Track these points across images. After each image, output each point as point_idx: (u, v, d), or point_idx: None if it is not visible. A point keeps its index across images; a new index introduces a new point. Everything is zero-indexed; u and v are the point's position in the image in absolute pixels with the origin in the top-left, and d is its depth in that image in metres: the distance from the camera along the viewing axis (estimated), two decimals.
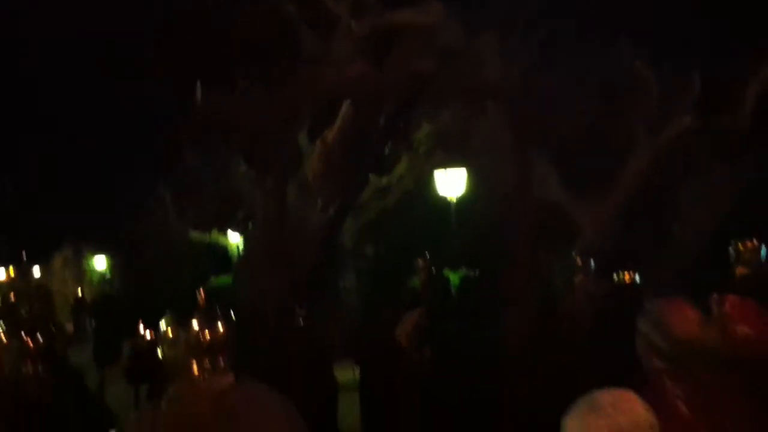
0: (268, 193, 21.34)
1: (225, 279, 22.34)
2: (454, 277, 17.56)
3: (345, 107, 7.66)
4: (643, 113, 10.23)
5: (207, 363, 2.58)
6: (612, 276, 7.56)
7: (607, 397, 1.97)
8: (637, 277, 7.35)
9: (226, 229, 24.91)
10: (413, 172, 20.10)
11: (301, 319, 6.16)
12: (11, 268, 34.14)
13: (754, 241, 5.93)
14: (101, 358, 13.74)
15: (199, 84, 8.14)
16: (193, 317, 2.66)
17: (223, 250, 26.02)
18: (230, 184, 20.83)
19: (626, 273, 7.43)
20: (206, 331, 2.61)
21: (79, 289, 32.14)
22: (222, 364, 2.60)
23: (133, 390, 8.68)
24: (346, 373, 7.23)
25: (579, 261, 7.28)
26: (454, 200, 17.22)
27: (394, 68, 9.04)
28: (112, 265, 34.06)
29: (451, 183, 17.16)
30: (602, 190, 10.75)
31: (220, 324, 2.63)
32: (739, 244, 5.91)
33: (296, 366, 4.82)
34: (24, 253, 34.38)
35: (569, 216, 11.29)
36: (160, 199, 25.63)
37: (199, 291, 6.76)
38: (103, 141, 26.32)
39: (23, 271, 34.52)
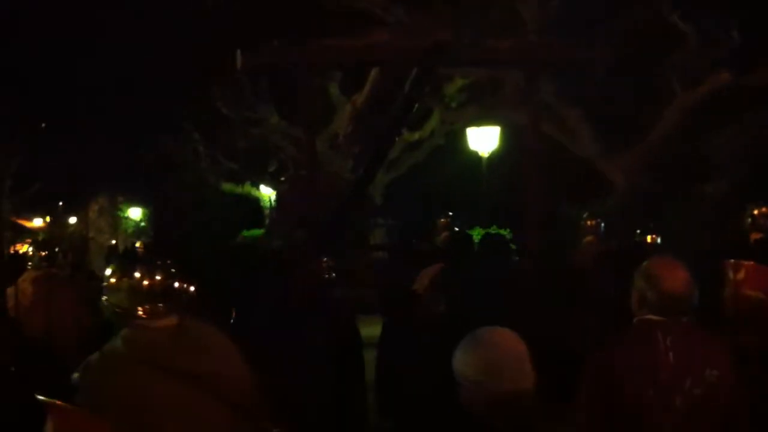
0: (300, 146, 21.41)
1: (257, 231, 22.51)
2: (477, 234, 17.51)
3: (373, 73, 7.76)
4: (680, 67, 9.98)
5: (147, 308, 2.82)
6: (634, 234, 7.46)
7: (486, 333, 2.33)
8: (659, 240, 7.30)
9: (259, 182, 24.99)
10: (444, 127, 19.92)
11: (327, 274, 6.11)
12: (47, 216, 34.73)
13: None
14: None
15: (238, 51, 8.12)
16: (135, 267, 2.93)
17: (256, 203, 26.17)
18: (262, 135, 20.87)
19: (650, 236, 7.38)
20: (146, 279, 2.85)
21: (114, 239, 32.64)
22: (161, 309, 2.83)
23: None
24: (374, 328, 7.23)
25: (588, 222, 7.27)
26: (486, 156, 17.06)
27: (416, 36, 9.17)
28: (147, 215, 34.52)
29: (483, 139, 16.99)
30: (634, 144, 10.56)
31: (158, 273, 2.88)
32: (755, 209, 5.86)
33: (320, 319, 4.80)
34: (60, 202, 34.92)
35: (600, 171, 11.15)
36: (194, 151, 25.76)
37: (139, 245, 6.71)
38: (139, 93, 26.44)
39: (59, 219, 35.11)
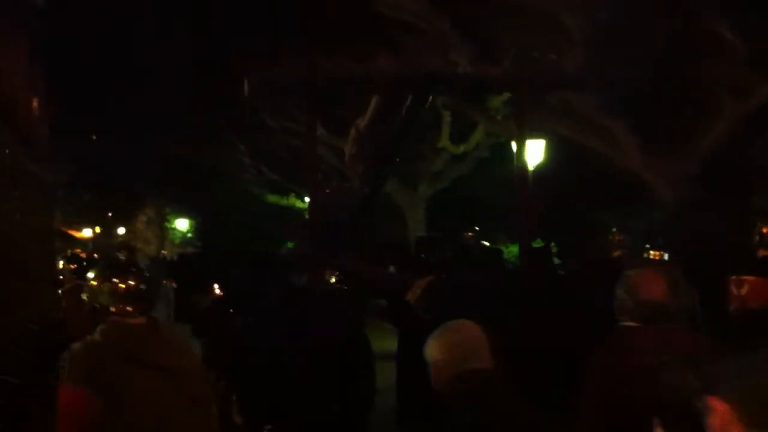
0: (343, 156, 21.45)
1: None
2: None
3: (374, 99, 8.59)
4: (727, 78, 9.84)
5: (121, 307, 3.28)
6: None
7: (452, 323, 2.80)
8: (666, 256, 7.49)
9: (303, 194, 25.20)
10: (490, 140, 19.89)
11: (335, 281, 6.80)
12: (97, 227, 35.42)
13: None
14: (177, 315, 14.36)
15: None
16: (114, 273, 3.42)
17: (300, 214, 26.38)
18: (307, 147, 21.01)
19: (653, 251, 7.50)
20: (121, 284, 3.32)
21: (161, 249, 33.12)
22: (131, 309, 3.28)
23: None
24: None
25: (617, 237, 7.26)
26: (531, 170, 16.96)
27: (408, 65, 9.81)
28: (194, 227, 35.02)
29: (529, 152, 16.89)
30: (681, 156, 10.42)
31: (132, 279, 3.35)
32: (764, 227, 5.92)
33: (324, 325, 5.06)
34: (110, 213, 35.59)
35: (647, 184, 11.01)
36: (240, 162, 26.07)
37: (121, 250, 7.26)
38: (186, 105, 26.83)
39: (108, 230, 35.78)
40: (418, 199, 22.39)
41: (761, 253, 5.65)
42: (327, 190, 15.02)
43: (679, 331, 2.96)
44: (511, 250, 19.64)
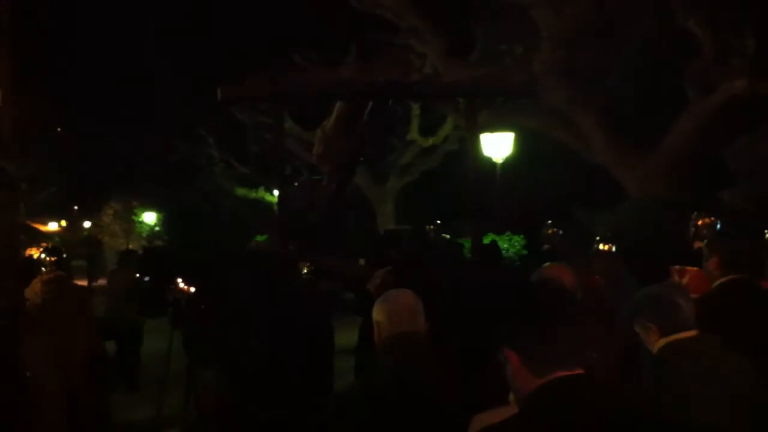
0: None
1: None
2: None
3: (338, 104, 9.51)
4: (694, 74, 9.93)
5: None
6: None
7: (392, 291, 3.24)
8: (614, 248, 7.87)
9: (272, 187, 25.09)
10: (458, 133, 19.94)
11: (306, 276, 7.00)
12: (62, 220, 34.93)
13: (711, 218, 6.41)
14: (143, 310, 14.04)
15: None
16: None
17: (270, 208, 26.25)
18: (275, 140, 20.93)
19: (603, 244, 7.87)
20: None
21: (128, 243, 32.76)
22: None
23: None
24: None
25: (549, 231, 7.89)
26: (500, 162, 17.03)
27: (372, 74, 11.20)
28: (161, 219, 34.70)
29: (497, 145, 16.96)
30: (648, 152, 10.52)
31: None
32: (700, 220, 6.40)
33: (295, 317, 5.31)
34: (75, 206, 35.13)
35: (614, 179, 11.10)
36: (209, 156, 25.89)
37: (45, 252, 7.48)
38: (155, 98, 26.59)
39: (74, 223, 35.31)
40: (388, 192, 22.42)
41: (696, 245, 5.90)
42: (296, 184, 15.35)
43: (586, 318, 3.14)
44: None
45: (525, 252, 18.25)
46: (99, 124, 28.93)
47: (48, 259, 5.74)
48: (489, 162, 17.41)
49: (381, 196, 22.54)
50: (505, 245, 17.36)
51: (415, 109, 19.38)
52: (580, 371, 1.90)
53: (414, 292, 3.15)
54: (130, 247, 31.19)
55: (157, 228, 35.04)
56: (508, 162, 17.36)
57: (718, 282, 3.95)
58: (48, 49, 23.47)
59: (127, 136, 29.07)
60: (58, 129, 27.88)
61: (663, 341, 3.03)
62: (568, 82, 11.02)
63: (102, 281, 29.37)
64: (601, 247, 6.74)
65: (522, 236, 18.20)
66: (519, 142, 17.42)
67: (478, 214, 8.40)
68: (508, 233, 18.30)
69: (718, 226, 6.35)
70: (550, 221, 8.30)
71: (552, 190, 21.57)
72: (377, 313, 3.14)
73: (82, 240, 31.75)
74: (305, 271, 7.09)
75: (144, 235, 34.64)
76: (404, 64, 12.34)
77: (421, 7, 12.29)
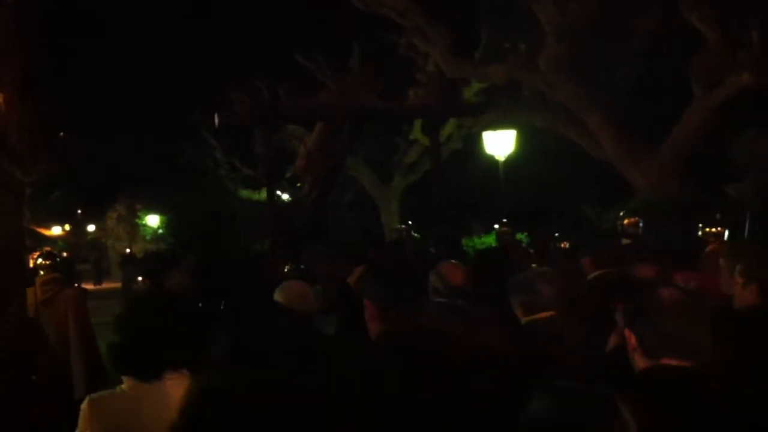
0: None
1: None
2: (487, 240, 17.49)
3: (319, 124, 10.84)
4: (700, 68, 9.87)
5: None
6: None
7: (288, 281, 4.28)
8: (568, 245, 8.77)
9: (276, 188, 25.03)
10: (462, 131, 19.88)
11: (286, 271, 7.78)
12: (66, 224, 34.95)
13: (635, 218, 7.26)
14: None
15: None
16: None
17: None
18: (279, 141, 20.89)
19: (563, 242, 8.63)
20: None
21: (131, 246, 32.74)
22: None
23: None
24: None
25: (502, 229, 8.03)
26: (502, 160, 17.00)
27: (348, 98, 12.58)
28: (165, 222, 34.68)
29: (499, 143, 16.92)
30: (654, 147, 10.46)
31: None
32: (625, 219, 7.28)
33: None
34: (79, 210, 35.13)
35: (621, 174, 11.05)
36: (213, 158, 25.85)
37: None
38: (159, 102, 26.59)
39: (78, 227, 35.33)
40: (393, 191, 22.38)
41: (624, 241, 6.46)
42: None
43: (477, 310, 3.67)
44: (485, 241, 19.70)
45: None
46: (102, 128, 28.92)
47: (44, 262, 6.02)
48: (492, 160, 17.40)
49: (386, 195, 22.50)
50: None
51: None
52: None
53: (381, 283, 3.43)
54: (128, 251, 31.26)
55: (160, 231, 35.03)
56: (511, 159, 17.35)
57: (591, 276, 4.78)
58: (53, 52, 23.46)
59: (131, 139, 29.06)
60: (62, 133, 27.86)
61: (526, 318, 3.54)
62: (574, 78, 10.98)
63: (107, 284, 29.42)
64: (562, 245, 7.32)
65: (526, 234, 18.18)
66: (523, 139, 17.40)
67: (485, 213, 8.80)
68: (492, 236, 18.32)
69: (641, 224, 7.16)
70: (504, 220, 8.75)
71: (557, 187, 21.54)
72: (277, 296, 4.02)
73: (88, 243, 31.79)
74: (287, 269, 7.88)
75: (148, 238, 34.62)
76: (376, 88, 13.73)
77: (425, 6, 12.28)
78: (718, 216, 7.74)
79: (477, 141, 18.37)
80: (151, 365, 2.58)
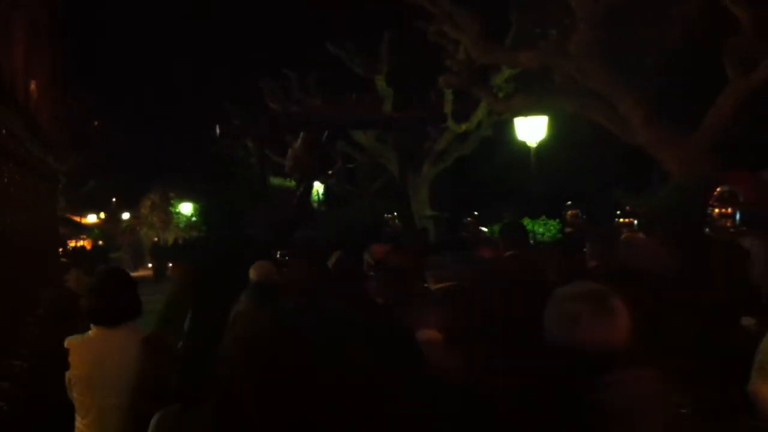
0: (347, 140, 21.64)
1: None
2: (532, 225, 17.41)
3: (303, 132, 12.37)
4: (734, 52, 9.71)
5: None
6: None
7: (259, 263, 5.30)
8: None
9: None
10: (492, 118, 19.76)
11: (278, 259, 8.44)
12: (101, 213, 35.39)
13: (577, 210, 8.29)
14: None
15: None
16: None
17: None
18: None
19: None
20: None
21: (165, 234, 33.05)
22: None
23: None
24: None
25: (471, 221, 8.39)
26: (534, 146, 16.91)
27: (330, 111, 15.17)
28: (198, 210, 34.97)
29: (531, 129, 16.83)
30: (687, 132, 10.32)
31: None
32: (569, 211, 8.19)
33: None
34: (114, 198, 35.54)
35: (655, 159, 10.92)
36: (245, 146, 26.00)
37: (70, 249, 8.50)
38: (193, 91, 26.74)
39: (113, 215, 35.76)
40: (423, 178, 22.34)
41: (568, 230, 7.46)
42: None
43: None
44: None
45: (560, 236, 18.14)
46: (136, 117, 29.20)
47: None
48: (524, 146, 17.31)
49: (416, 182, 22.48)
50: (541, 229, 17.25)
51: (448, 94, 19.26)
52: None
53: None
54: (156, 239, 31.58)
55: (193, 218, 35.32)
56: (543, 146, 17.25)
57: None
58: (88, 44, 23.75)
59: (165, 128, 29.30)
60: (96, 123, 28.20)
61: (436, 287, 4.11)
62: (606, 64, 10.87)
63: (143, 271, 29.78)
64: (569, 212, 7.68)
65: (557, 220, 18.06)
66: (555, 126, 17.27)
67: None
68: (543, 217, 18.19)
69: (584, 216, 7.87)
70: (569, 202, 8.62)
71: (589, 174, 21.35)
72: (251, 273, 5.10)
73: (123, 231, 32.14)
74: (278, 255, 8.71)
75: (181, 226, 34.96)
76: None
77: None
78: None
79: (507, 128, 18.30)
80: (111, 317, 3.68)
